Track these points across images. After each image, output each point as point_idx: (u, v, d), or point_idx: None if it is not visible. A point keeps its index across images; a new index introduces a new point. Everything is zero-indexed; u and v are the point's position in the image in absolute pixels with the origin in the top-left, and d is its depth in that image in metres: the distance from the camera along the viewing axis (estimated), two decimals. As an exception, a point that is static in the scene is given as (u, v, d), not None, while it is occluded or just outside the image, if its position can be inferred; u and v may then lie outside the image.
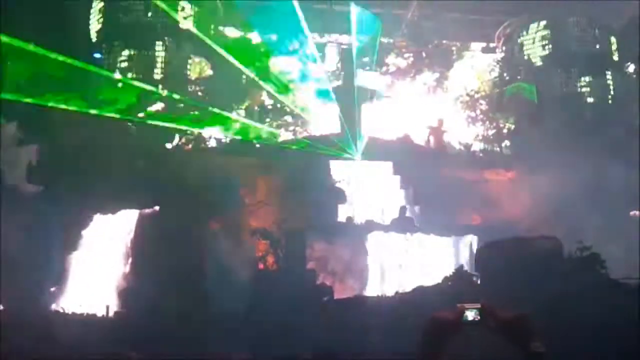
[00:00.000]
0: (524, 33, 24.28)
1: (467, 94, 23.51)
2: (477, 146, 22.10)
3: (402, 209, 15.53)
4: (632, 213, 16.50)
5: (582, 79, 22.75)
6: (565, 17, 23.37)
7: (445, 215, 15.24)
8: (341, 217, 15.76)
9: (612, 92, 22.84)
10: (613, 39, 23.61)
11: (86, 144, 14.55)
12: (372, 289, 13.09)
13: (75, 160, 14.10)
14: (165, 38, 19.80)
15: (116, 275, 13.47)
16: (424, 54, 23.75)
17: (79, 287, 13.13)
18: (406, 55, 23.89)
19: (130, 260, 13.76)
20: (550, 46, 23.49)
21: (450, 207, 15.43)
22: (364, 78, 22.62)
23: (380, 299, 11.08)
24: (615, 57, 23.61)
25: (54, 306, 12.45)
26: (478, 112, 23.05)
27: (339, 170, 17.22)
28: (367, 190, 16.67)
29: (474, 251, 12.41)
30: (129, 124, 17.37)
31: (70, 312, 11.21)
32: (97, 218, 13.96)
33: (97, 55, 18.97)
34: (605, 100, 22.62)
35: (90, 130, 14.82)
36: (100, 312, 11.24)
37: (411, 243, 14.38)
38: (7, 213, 12.06)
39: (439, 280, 10.16)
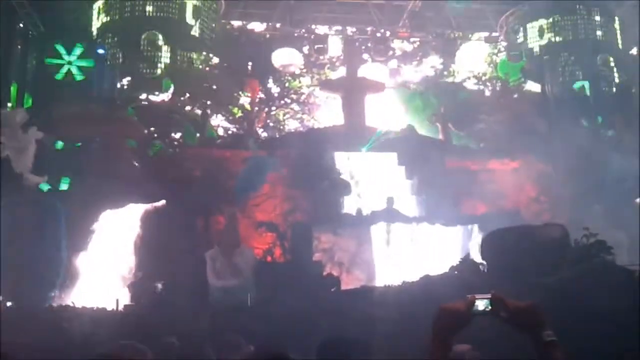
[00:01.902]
0: (526, 21, 24.18)
1: (475, 76, 23.57)
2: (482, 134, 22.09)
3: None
4: (637, 200, 16.48)
5: (585, 65, 22.66)
6: (567, 5, 23.25)
7: (451, 204, 15.27)
8: (347, 209, 15.80)
9: (616, 79, 22.76)
10: (616, 25, 23.51)
11: (92, 137, 14.61)
12: (379, 279, 13.14)
13: (81, 153, 14.16)
14: (168, 31, 19.80)
15: (125, 269, 13.58)
16: (430, 36, 23.72)
17: (88, 281, 13.24)
18: (412, 40, 23.93)
19: (137, 253, 13.85)
20: (552, 34, 23.40)
21: (455, 197, 15.46)
22: (368, 69, 22.59)
23: (387, 289, 11.11)
24: (619, 44, 23.51)
25: (62, 301, 12.55)
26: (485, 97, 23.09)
27: (344, 162, 17.24)
28: (372, 182, 16.70)
29: (480, 240, 12.41)
30: (135, 118, 17.43)
31: (80, 307, 11.28)
32: (104, 212, 14.04)
33: (101, 51, 19.00)
34: (610, 86, 22.54)
35: (95, 123, 14.87)
36: (110, 306, 11.31)
37: (418, 232, 14.42)
38: (12, 204, 12.15)
39: (446, 270, 10.18)
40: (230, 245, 13.54)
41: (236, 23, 23.60)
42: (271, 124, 21.35)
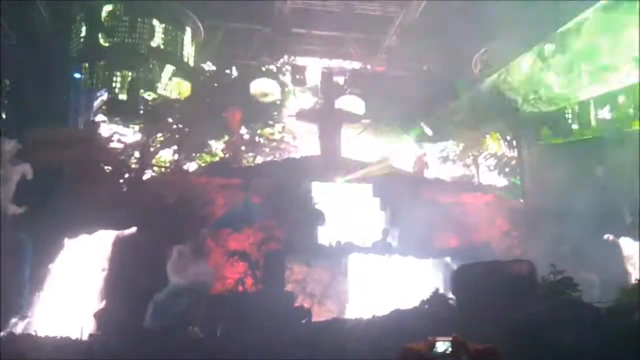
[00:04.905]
0: (501, 59, 24.71)
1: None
2: (457, 170, 22.45)
3: (385, 231, 15.64)
4: (605, 237, 16.79)
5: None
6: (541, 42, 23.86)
7: (423, 237, 15.35)
8: (320, 239, 15.76)
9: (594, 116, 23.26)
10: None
11: (65, 163, 14.42)
12: (351, 312, 13.07)
13: (50, 179, 13.94)
14: (147, 59, 19.82)
15: (91, 297, 13.27)
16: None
17: (52, 309, 12.90)
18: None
19: (105, 281, 13.57)
20: (530, 71, 23.95)
21: (427, 230, 15.55)
22: (344, 101, 22.87)
23: (358, 321, 11.06)
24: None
25: (25, 330, 12.21)
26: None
27: (319, 192, 17.27)
28: (346, 212, 16.73)
29: (451, 273, 12.49)
30: (111, 144, 17.31)
31: (42, 336, 10.98)
32: (72, 239, 13.78)
33: (77, 76, 18.90)
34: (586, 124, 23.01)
35: (69, 149, 14.70)
36: (74, 335, 11.03)
37: (389, 265, 14.42)
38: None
39: (416, 303, 10.20)
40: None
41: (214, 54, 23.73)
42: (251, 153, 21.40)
